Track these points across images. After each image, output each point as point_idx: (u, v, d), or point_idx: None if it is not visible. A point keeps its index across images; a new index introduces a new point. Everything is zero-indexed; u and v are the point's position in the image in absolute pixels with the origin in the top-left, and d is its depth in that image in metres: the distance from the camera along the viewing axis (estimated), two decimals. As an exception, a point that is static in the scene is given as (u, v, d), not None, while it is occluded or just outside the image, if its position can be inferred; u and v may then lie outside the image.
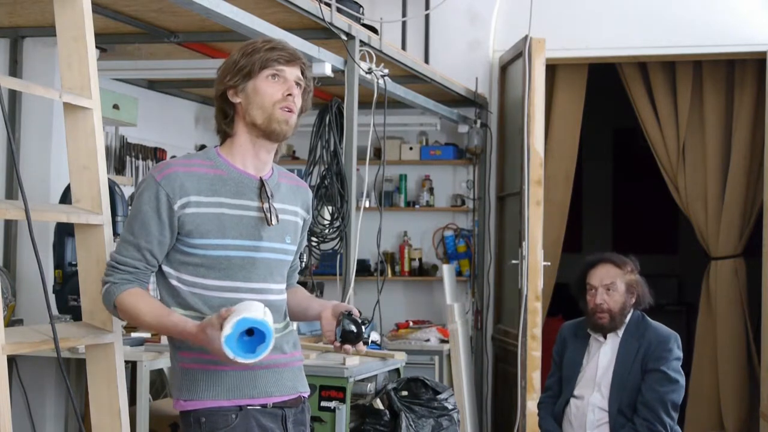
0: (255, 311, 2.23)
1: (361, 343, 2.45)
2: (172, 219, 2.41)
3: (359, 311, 2.50)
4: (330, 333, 2.49)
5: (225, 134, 2.53)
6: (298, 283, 2.81)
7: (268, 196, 2.48)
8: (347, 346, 2.45)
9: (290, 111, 2.46)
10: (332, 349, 4.23)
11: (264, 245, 2.48)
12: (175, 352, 2.48)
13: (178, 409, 2.47)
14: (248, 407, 2.43)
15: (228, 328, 2.18)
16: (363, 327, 2.45)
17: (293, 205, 2.59)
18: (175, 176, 2.41)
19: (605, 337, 4.16)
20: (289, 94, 2.45)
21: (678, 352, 4.08)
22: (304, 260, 4.47)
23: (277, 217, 2.49)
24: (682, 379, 4.06)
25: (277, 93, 2.45)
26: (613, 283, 4.11)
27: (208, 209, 2.42)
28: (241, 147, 2.50)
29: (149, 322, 2.40)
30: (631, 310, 4.16)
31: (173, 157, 5.57)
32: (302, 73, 2.50)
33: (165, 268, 2.47)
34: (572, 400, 4.16)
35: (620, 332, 4.14)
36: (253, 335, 2.21)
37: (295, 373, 2.55)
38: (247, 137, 2.49)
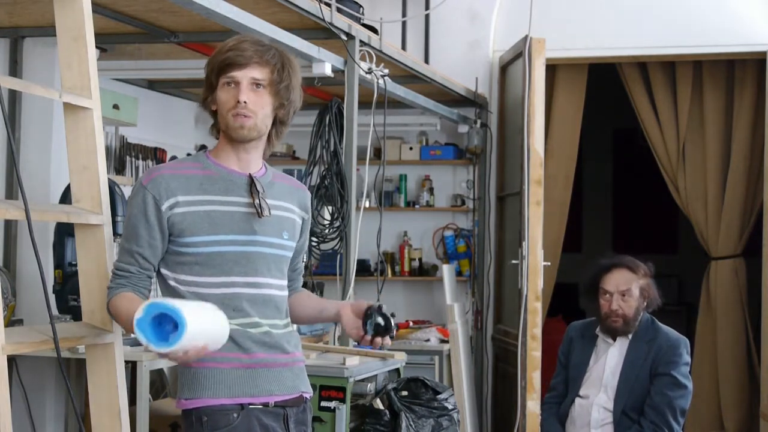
0: (196, 307, 2.18)
1: (388, 336, 2.49)
2: (161, 221, 2.43)
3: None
4: (355, 330, 2.51)
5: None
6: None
7: (258, 191, 2.50)
8: (378, 339, 2.48)
9: (245, 116, 2.44)
10: (333, 348, 4.25)
11: (258, 239, 2.49)
12: None
13: (180, 408, 2.47)
14: (250, 406, 2.44)
15: (139, 311, 2.13)
16: (392, 320, 2.48)
17: (288, 203, 2.61)
18: (160, 179, 2.45)
19: (614, 339, 4.16)
20: (237, 102, 2.44)
21: (687, 358, 4.08)
22: (305, 260, 4.48)
23: (269, 210, 2.51)
24: (690, 385, 4.07)
25: (230, 101, 2.45)
26: (628, 290, 4.10)
27: (197, 207, 2.45)
28: (224, 147, 2.54)
29: (124, 325, 2.42)
30: (642, 313, 4.16)
31: (173, 157, 5.58)
32: (272, 69, 2.45)
33: (163, 271, 2.50)
34: (577, 399, 4.16)
35: (630, 334, 4.14)
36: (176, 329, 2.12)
37: (296, 372, 2.56)
38: (225, 140, 2.53)
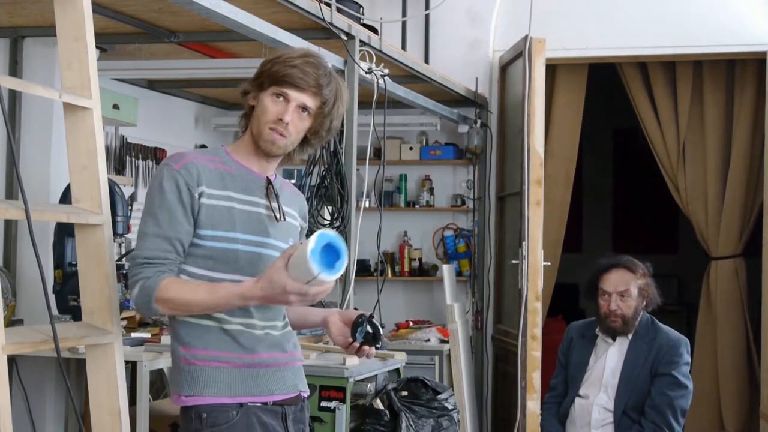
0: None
1: (374, 346, 2.51)
2: (193, 207, 2.43)
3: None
4: (343, 337, 2.52)
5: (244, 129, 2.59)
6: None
7: (275, 194, 2.52)
8: (365, 348, 2.50)
9: (281, 135, 2.47)
10: (333, 348, 4.25)
11: (270, 242, 2.51)
12: (177, 347, 2.48)
13: (178, 405, 2.47)
14: (249, 404, 2.45)
15: (312, 242, 2.16)
16: (380, 330, 2.51)
17: (293, 210, 2.64)
18: (192, 165, 2.45)
19: (614, 339, 4.16)
20: (280, 119, 2.45)
21: (687, 357, 4.08)
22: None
23: (284, 214, 2.54)
24: (690, 385, 4.07)
25: (272, 114, 2.47)
26: (627, 290, 4.10)
27: (219, 201, 2.46)
28: (247, 147, 2.55)
29: (202, 300, 2.34)
30: (642, 312, 4.16)
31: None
32: (324, 101, 2.49)
33: None
34: (577, 399, 4.16)
35: (629, 334, 4.14)
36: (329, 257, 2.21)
37: (295, 371, 2.57)
38: (252, 141, 2.54)
